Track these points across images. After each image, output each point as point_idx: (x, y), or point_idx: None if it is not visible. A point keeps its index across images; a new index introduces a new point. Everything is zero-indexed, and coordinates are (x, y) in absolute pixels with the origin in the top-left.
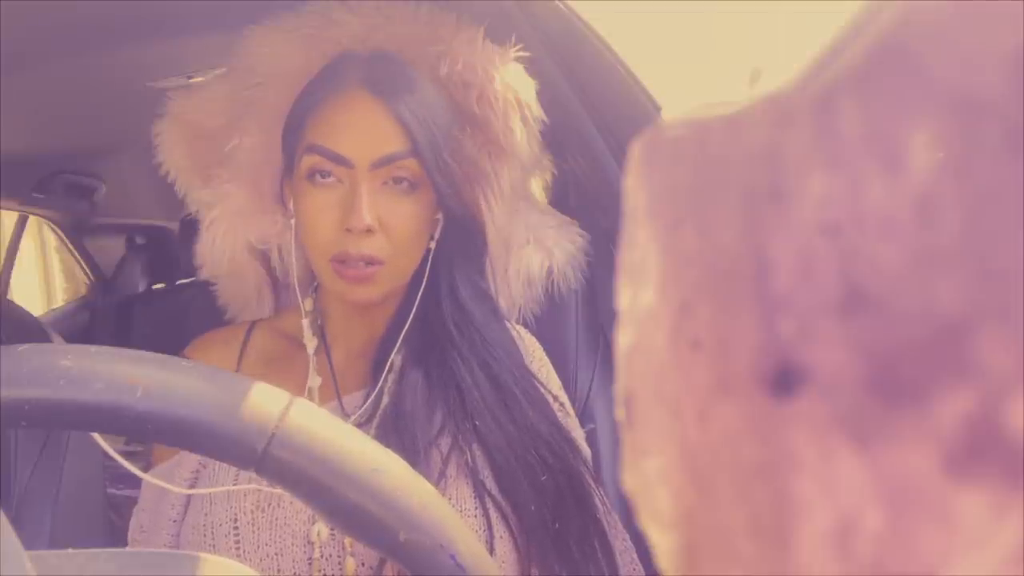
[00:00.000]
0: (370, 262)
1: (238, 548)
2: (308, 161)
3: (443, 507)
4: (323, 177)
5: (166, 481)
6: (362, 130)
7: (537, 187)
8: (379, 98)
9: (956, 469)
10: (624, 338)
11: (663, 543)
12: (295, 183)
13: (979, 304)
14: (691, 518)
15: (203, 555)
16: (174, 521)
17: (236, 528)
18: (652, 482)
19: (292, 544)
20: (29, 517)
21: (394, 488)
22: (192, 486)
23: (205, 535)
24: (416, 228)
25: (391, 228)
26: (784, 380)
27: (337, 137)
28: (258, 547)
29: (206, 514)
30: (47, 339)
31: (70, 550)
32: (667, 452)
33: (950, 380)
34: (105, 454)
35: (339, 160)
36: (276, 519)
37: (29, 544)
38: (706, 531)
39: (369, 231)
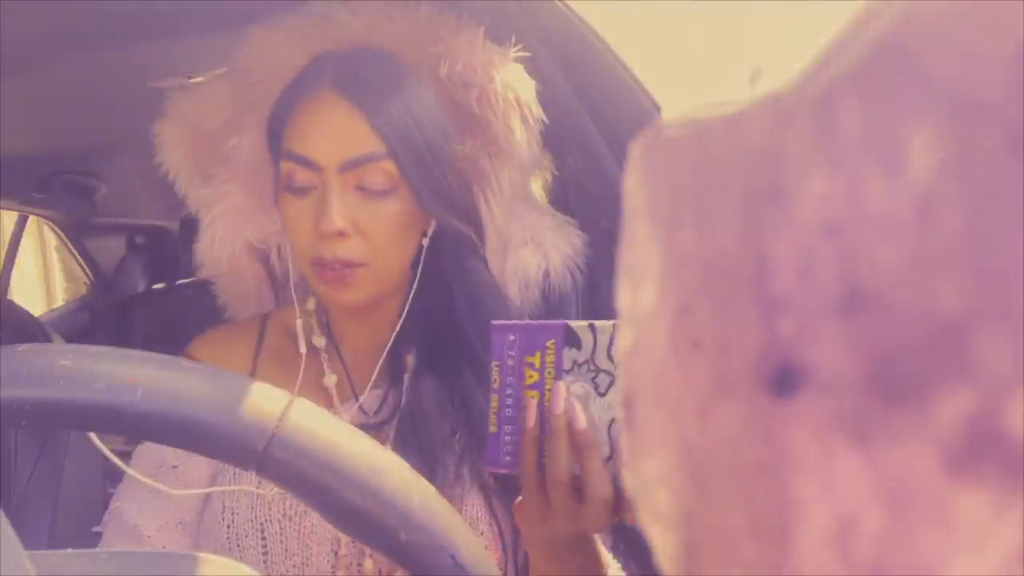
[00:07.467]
0: (346, 265)
1: (265, 557)
2: (284, 168)
3: (443, 507)
4: (297, 184)
5: (165, 478)
6: (330, 132)
7: (537, 187)
8: (349, 99)
9: (956, 469)
10: (624, 338)
11: (663, 543)
12: (278, 190)
13: (979, 304)
14: (691, 518)
15: (203, 555)
16: (181, 523)
17: (264, 538)
18: (652, 482)
19: (318, 552)
20: (29, 517)
21: (394, 488)
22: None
23: (231, 545)
24: (396, 230)
25: (368, 231)
26: (784, 380)
27: (306, 141)
28: (286, 556)
29: (228, 526)
30: (47, 339)
31: (70, 550)
32: (667, 452)
33: (950, 380)
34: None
35: (307, 163)
36: (304, 528)
37: (29, 544)
38: (706, 531)
39: (341, 234)
